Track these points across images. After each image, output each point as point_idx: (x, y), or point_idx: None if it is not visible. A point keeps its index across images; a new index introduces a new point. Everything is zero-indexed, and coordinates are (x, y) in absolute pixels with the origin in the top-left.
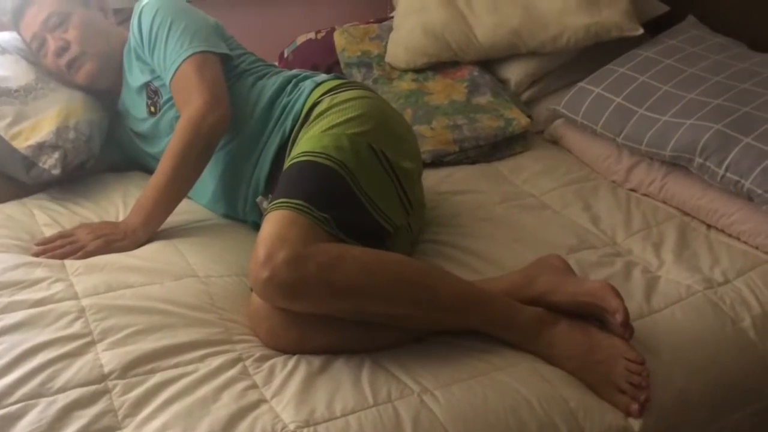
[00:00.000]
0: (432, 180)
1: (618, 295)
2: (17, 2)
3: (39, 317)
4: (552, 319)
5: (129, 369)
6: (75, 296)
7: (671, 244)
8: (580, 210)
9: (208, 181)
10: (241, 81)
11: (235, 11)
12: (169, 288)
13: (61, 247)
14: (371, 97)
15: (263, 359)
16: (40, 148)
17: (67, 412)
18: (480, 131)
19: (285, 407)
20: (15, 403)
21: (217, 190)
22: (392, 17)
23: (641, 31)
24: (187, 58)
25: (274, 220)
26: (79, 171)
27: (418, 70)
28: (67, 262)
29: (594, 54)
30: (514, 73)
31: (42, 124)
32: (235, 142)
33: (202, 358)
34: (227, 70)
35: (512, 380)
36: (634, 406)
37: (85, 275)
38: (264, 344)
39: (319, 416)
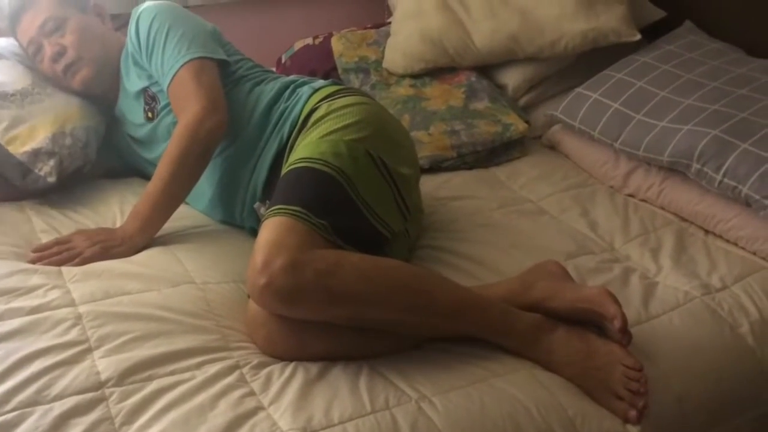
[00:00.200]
0: (429, 185)
1: (616, 301)
2: (14, 7)
3: (35, 324)
4: (550, 326)
5: (126, 376)
6: (72, 303)
7: (669, 249)
8: (577, 215)
9: (205, 187)
10: (238, 87)
11: (233, 17)
12: (166, 295)
13: (58, 254)
14: (369, 103)
15: (261, 366)
16: (36, 154)
17: (64, 419)
18: (477, 137)
19: (282, 414)
20: (11, 411)
21: (214, 196)
22: (390, 23)
23: (639, 36)
24: (185, 63)
25: (272, 227)
26: (76, 177)
27: (415, 76)
28: (64, 269)
29: (591, 59)
30: (512, 78)
31: (38, 129)
32: (233, 148)
33: (199, 366)
34: (225, 75)
35: (510, 387)
36: (632, 413)
37: (82, 282)
38: (261, 351)
39: (317, 423)
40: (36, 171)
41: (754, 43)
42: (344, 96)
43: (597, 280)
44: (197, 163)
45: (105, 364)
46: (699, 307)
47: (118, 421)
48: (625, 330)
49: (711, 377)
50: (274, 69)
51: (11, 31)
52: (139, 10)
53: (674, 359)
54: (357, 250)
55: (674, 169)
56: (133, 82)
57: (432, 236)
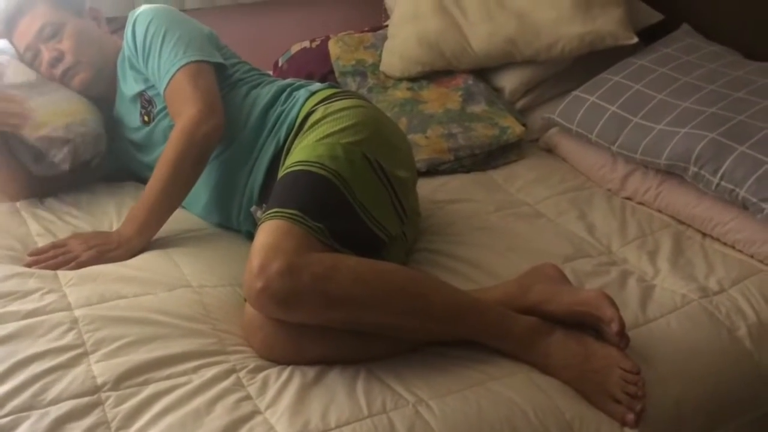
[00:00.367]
0: (427, 189)
1: (613, 304)
2: (10, 12)
3: (31, 328)
4: (547, 329)
5: (122, 380)
6: (68, 307)
7: (666, 252)
8: (575, 218)
9: (202, 190)
10: (235, 90)
11: (230, 20)
12: (162, 298)
13: (54, 258)
14: (365, 106)
15: (257, 370)
16: (51, 140)
17: (60, 424)
18: (475, 140)
19: (279, 419)
20: (6, 416)
21: (211, 199)
22: (387, 26)
23: (636, 39)
24: (182, 67)
25: (268, 230)
26: (86, 169)
27: (412, 79)
28: (60, 272)
29: (589, 62)
30: (509, 81)
31: (51, 116)
32: (229, 152)
33: (195, 369)
34: (221, 79)
35: (507, 390)
36: (630, 416)
37: (78, 286)
38: (258, 355)
39: (314, 427)
40: (50, 157)
41: (751, 46)
42: (341, 99)
43: (594, 283)
44: (194, 167)
45: (101, 369)
46: (696, 310)
47: (114, 425)
48: (622, 333)
49: (709, 380)
50: (270, 72)
51: (7, 35)
52: (136, 14)
53: (672, 362)
54: (354, 253)
55: (671, 172)
56: (129, 85)
57: (429, 239)
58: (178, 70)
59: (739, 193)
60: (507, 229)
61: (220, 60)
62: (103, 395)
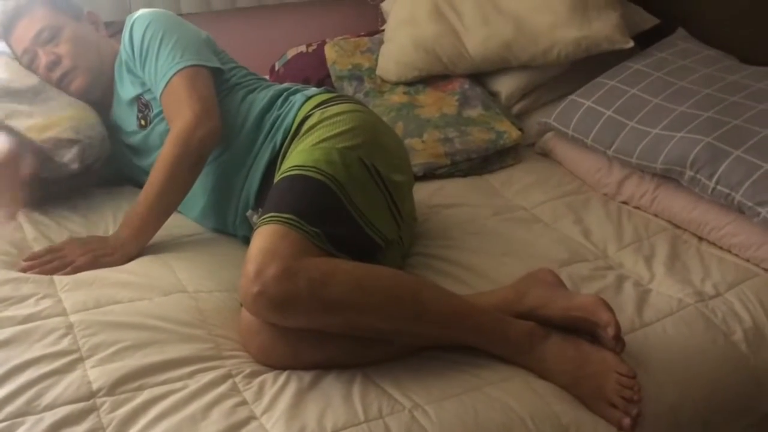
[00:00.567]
0: (423, 193)
1: (609, 308)
2: (8, 15)
3: (26, 334)
4: (543, 333)
5: (117, 386)
6: (63, 312)
7: (663, 257)
8: (571, 223)
9: (198, 195)
10: (231, 95)
11: (227, 24)
12: (158, 303)
13: (50, 263)
14: (362, 111)
15: (253, 375)
16: (59, 141)
17: (55, 430)
18: (471, 144)
19: (275, 424)
20: (1, 422)
21: (207, 204)
22: (383, 30)
23: (631, 44)
24: (178, 71)
25: (265, 235)
26: (90, 171)
27: (408, 83)
28: (56, 277)
29: (584, 67)
30: (505, 86)
31: (57, 121)
32: (226, 156)
33: (191, 375)
34: (218, 83)
35: (504, 395)
36: (626, 421)
37: (73, 291)
38: (254, 360)
39: None
40: (58, 158)
41: (746, 51)
42: (337, 104)
43: (590, 288)
44: (190, 171)
45: (96, 374)
46: (693, 314)
47: (109, 431)
48: (618, 337)
49: (705, 384)
50: (267, 77)
51: (5, 39)
52: (133, 18)
53: (668, 366)
54: (350, 258)
55: (668, 177)
56: (126, 89)
57: (425, 244)
58: (174, 74)
59: (734, 198)
60: (503, 233)
61: (217, 64)
62: (99, 401)
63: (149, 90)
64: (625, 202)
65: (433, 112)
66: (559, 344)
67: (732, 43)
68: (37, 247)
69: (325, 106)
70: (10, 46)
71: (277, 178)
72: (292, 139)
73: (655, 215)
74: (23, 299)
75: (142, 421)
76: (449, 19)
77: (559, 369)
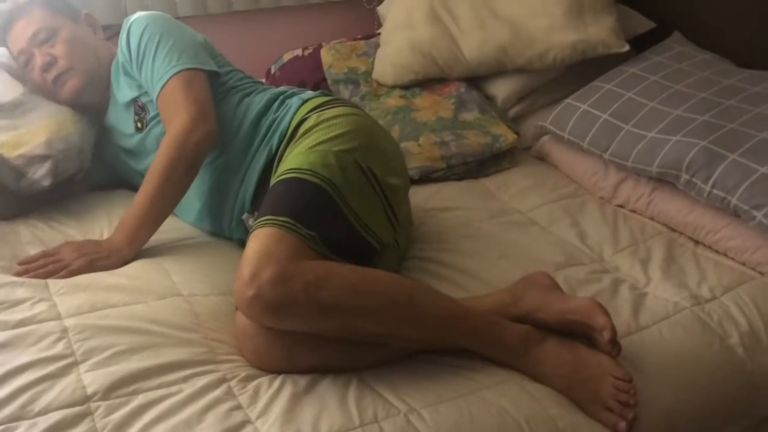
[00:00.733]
0: (419, 196)
1: (605, 312)
2: (4, 16)
3: (21, 338)
4: (539, 337)
5: (112, 390)
6: (58, 316)
7: (659, 260)
8: (567, 226)
9: (193, 198)
10: (228, 98)
11: (223, 28)
12: (153, 307)
13: (44, 267)
14: (358, 114)
15: (248, 379)
16: (30, 158)
17: None
18: (467, 148)
19: (270, 428)
20: None
21: (203, 207)
22: (379, 34)
23: (627, 48)
24: (175, 74)
25: (260, 238)
26: (69, 184)
27: (405, 87)
28: (51, 281)
29: (580, 70)
30: (501, 89)
31: (32, 134)
32: (222, 159)
33: (186, 379)
34: (215, 87)
35: (500, 399)
36: (622, 425)
37: (68, 295)
38: (250, 364)
39: None
40: (30, 175)
41: (742, 54)
42: (333, 107)
43: (586, 291)
44: (185, 175)
45: (91, 378)
46: (688, 318)
47: None
48: (614, 341)
49: (701, 388)
50: (263, 80)
51: (1, 40)
52: (131, 21)
53: (664, 370)
54: (346, 261)
55: (663, 180)
56: (123, 92)
57: (421, 247)
58: (171, 77)
59: (730, 201)
60: (499, 236)
61: (214, 68)
62: (93, 405)
63: (146, 93)
64: (621, 206)
65: (429, 115)
66: (555, 348)
67: (728, 47)
68: (32, 251)
69: (321, 109)
70: (7, 47)
71: (273, 181)
72: (289, 142)
73: (651, 219)
74: (17, 303)
75: (137, 426)
76: (445, 22)
77: (555, 372)
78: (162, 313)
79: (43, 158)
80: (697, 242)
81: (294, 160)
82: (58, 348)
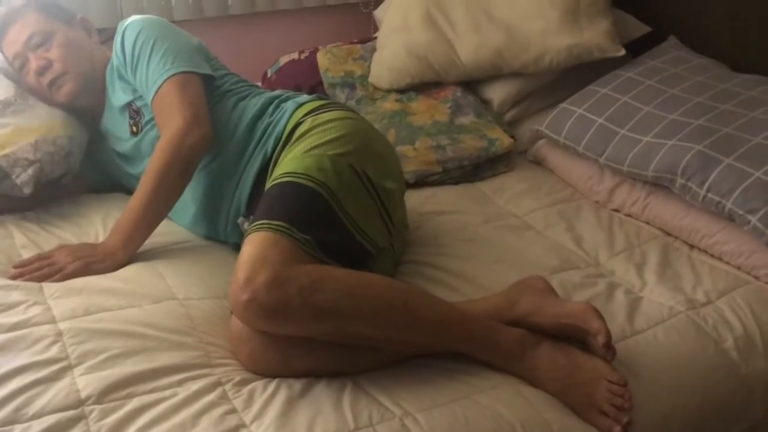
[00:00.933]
0: (415, 200)
1: (600, 316)
2: (0, 20)
3: (15, 341)
4: (534, 341)
5: (106, 394)
6: (52, 320)
7: (654, 264)
8: (562, 230)
9: (188, 202)
10: (223, 102)
11: (219, 31)
12: (148, 311)
13: (39, 270)
14: (353, 118)
15: (243, 383)
16: (16, 159)
17: None
18: (463, 151)
19: None
20: None
21: (197, 211)
22: (375, 38)
23: (623, 52)
24: (169, 78)
25: (255, 242)
26: (55, 186)
27: (401, 91)
28: (45, 285)
29: (576, 75)
30: (497, 93)
31: (20, 135)
32: (217, 163)
33: (180, 383)
34: (210, 90)
35: (495, 403)
36: (617, 429)
37: (62, 298)
38: (244, 367)
39: None
40: (13, 177)
41: (738, 59)
42: (329, 111)
43: (582, 295)
44: (180, 178)
45: (85, 382)
46: (683, 322)
47: None
48: (609, 345)
49: (696, 392)
50: (259, 84)
51: None
52: (125, 24)
53: (659, 374)
54: (341, 265)
55: (659, 184)
56: (118, 96)
57: (417, 251)
58: (165, 80)
59: (725, 205)
60: (495, 241)
61: (209, 71)
62: (87, 409)
63: (141, 97)
64: (616, 210)
65: (425, 119)
66: (550, 352)
67: (723, 51)
68: (27, 254)
69: (316, 113)
70: (1, 51)
71: (268, 185)
72: (284, 146)
73: (647, 223)
74: (12, 306)
75: (131, 429)
76: (441, 26)
77: (550, 377)
78: (156, 317)
79: (28, 162)
80: (692, 246)
81: (289, 164)
82: (53, 351)
